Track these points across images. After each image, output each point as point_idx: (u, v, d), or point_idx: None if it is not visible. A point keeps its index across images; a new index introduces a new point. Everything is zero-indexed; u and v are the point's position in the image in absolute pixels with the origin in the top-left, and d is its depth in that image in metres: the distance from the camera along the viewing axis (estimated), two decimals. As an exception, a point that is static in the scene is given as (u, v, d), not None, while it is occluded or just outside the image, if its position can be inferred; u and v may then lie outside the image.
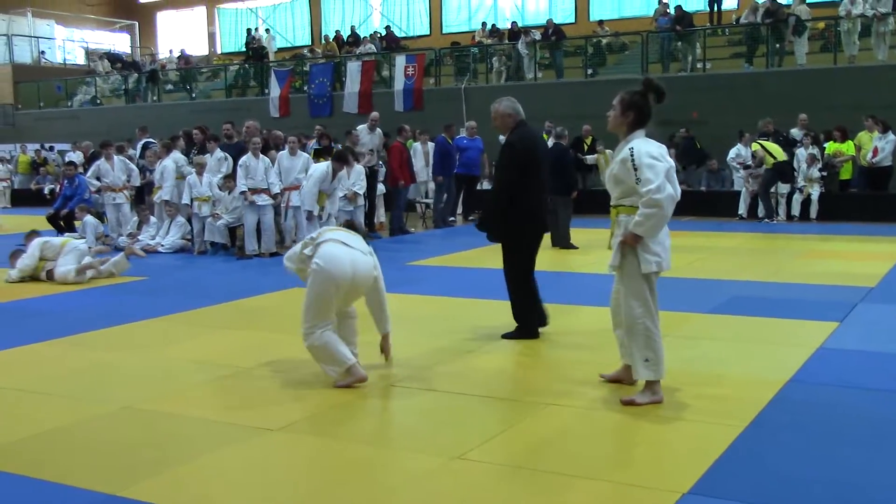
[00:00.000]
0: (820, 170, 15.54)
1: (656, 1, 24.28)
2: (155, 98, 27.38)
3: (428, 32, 30.32)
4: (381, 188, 15.45)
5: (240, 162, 11.93)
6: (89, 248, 10.85)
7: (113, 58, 31.24)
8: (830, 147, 16.05)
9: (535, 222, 6.83)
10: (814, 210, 15.33)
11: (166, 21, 37.05)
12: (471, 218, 15.82)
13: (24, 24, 32.51)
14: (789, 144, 16.03)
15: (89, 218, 13.27)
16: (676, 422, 4.79)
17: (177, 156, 13.31)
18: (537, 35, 22.34)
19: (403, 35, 29.01)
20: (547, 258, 11.22)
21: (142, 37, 36.69)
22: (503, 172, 6.87)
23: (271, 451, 4.48)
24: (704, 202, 16.25)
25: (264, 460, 4.35)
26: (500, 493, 3.89)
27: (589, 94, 18.51)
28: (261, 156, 12.06)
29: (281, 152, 12.69)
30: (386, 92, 22.55)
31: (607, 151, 17.06)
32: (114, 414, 5.13)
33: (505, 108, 6.80)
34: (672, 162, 4.99)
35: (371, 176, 14.15)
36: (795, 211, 15.46)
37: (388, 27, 28.03)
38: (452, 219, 15.91)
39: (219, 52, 34.59)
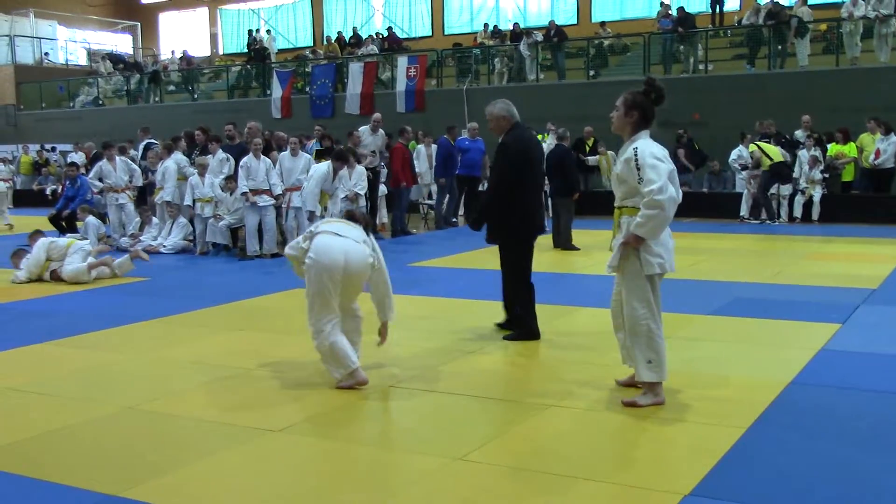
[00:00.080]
0: (822, 171, 15.53)
1: (658, 2, 24.32)
2: (157, 99, 27.39)
3: (430, 34, 30.33)
4: (382, 189, 15.46)
5: (241, 163, 11.93)
6: (92, 248, 10.86)
7: (115, 58, 31.24)
8: (832, 149, 16.04)
9: (530, 223, 6.85)
10: (815, 212, 15.32)
11: (168, 22, 37.08)
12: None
13: (27, 25, 32.53)
14: (792, 146, 16.03)
15: (91, 219, 13.29)
16: (678, 423, 4.79)
17: (178, 157, 13.31)
18: (539, 36, 22.34)
19: (405, 36, 29.01)
20: (548, 259, 11.25)
21: (144, 37, 36.72)
22: (498, 173, 6.88)
23: (272, 453, 4.48)
24: (706, 204, 16.25)
25: (265, 461, 4.34)
26: (501, 495, 3.89)
27: (591, 96, 18.51)
28: (262, 157, 12.07)
29: (282, 153, 12.69)
30: (388, 93, 22.56)
31: (609, 153, 17.08)
32: (115, 415, 5.13)
33: (499, 110, 6.84)
34: (673, 164, 4.98)
35: (373, 177, 14.16)
36: (797, 212, 15.46)
37: (389, 28, 28.03)
38: (455, 220, 15.92)
39: (221, 52, 34.62)
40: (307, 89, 24.00)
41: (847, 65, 18.39)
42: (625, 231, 4.94)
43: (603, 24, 24.96)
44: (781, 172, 15.08)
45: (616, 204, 5.09)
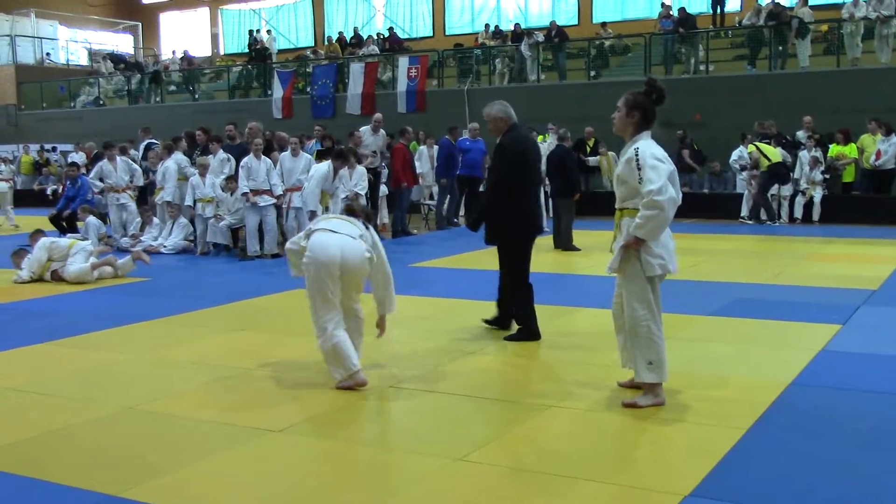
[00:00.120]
0: (823, 172, 15.53)
1: (659, 3, 24.31)
2: (158, 99, 27.39)
3: (431, 34, 30.32)
4: (383, 190, 15.47)
5: (241, 163, 11.94)
6: (93, 249, 10.86)
7: (116, 58, 31.25)
8: (833, 150, 16.04)
9: (528, 224, 6.88)
10: (816, 212, 15.32)
11: (169, 22, 37.09)
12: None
13: (28, 25, 32.53)
14: (793, 147, 16.03)
15: (92, 219, 13.29)
16: (679, 424, 4.79)
17: (179, 157, 13.32)
18: (540, 37, 22.34)
19: (406, 36, 29.01)
20: (549, 260, 11.25)
21: (145, 38, 36.71)
22: (496, 174, 6.89)
23: (273, 453, 4.48)
24: (707, 204, 16.26)
25: (266, 462, 4.35)
26: (501, 495, 3.89)
27: (592, 96, 18.50)
28: (263, 157, 12.08)
29: (283, 153, 12.70)
30: (389, 93, 22.56)
31: (610, 153, 17.09)
32: (116, 415, 5.13)
33: (497, 111, 6.87)
34: (673, 166, 4.98)
35: (374, 178, 14.16)
36: (798, 213, 15.46)
37: (391, 28, 28.03)
38: (456, 220, 15.94)
39: (222, 53, 34.61)
40: (308, 89, 24.00)
41: (848, 66, 18.38)
42: (625, 233, 4.95)
43: (604, 24, 24.97)
44: (779, 173, 15.08)
45: (617, 205, 5.09)
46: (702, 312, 7.70)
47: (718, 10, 22.31)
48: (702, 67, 20.24)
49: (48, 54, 32.68)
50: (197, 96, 27.28)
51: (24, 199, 22.06)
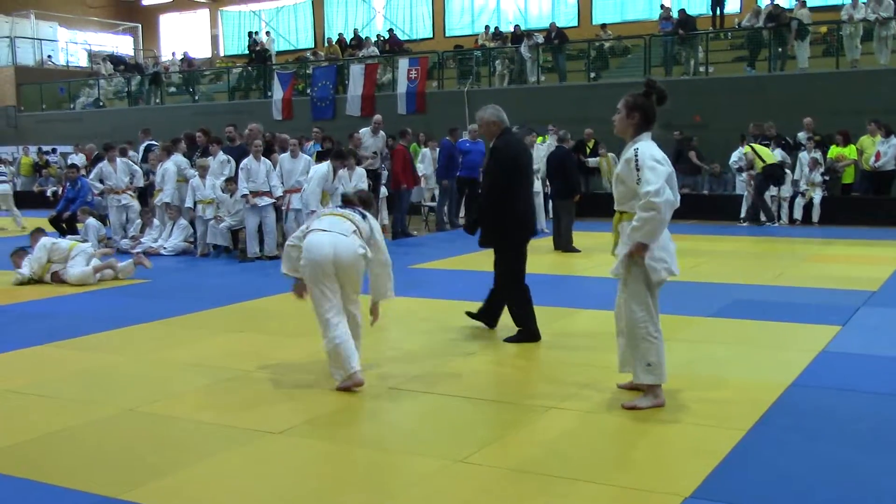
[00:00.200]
0: (822, 174, 15.53)
1: (659, 4, 24.32)
2: (158, 100, 27.38)
3: (431, 35, 30.31)
4: (383, 191, 15.46)
5: (241, 165, 11.94)
6: (94, 251, 10.86)
7: (116, 60, 31.24)
8: (833, 151, 16.04)
9: (522, 227, 6.93)
10: (816, 214, 15.31)
11: (169, 23, 37.08)
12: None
13: (28, 26, 32.53)
14: (793, 148, 16.03)
15: (91, 220, 13.27)
16: (679, 425, 4.78)
17: (178, 158, 13.31)
18: (540, 38, 22.34)
19: (406, 38, 29.01)
20: (549, 261, 11.25)
21: (145, 39, 36.72)
22: (491, 178, 6.92)
23: (272, 455, 4.48)
24: (707, 206, 16.26)
25: (265, 463, 4.34)
26: (501, 497, 3.88)
27: (592, 98, 18.50)
28: (262, 158, 12.08)
29: (282, 154, 12.70)
30: (389, 95, 22.56)
31: (610, 155, 17.09)
32: (115, 417, 5.13)
33: (490, 115, 6.91)
34: (672, 168, 4.97)
35: (374, 179, 14.16)
36: (797, 215, 15.45)
37: (390, 30, 28.04)
38: (458, 221, 15.96)
39: (221, 54, 34.61)
40: (308, 91, 24.00)
41: (847, 67, 18.38)
42: (625, 238, 4.95)
43: (604, 26, 24.97)
44: (774, 174, 15.09)
45: (616, 207, 5.10)
46: (702, 314, 7.70)
47: (718, 12, 22.30)
48: (701, 69, 20.24)
49: (49, 56, 32.69)
50: (197, 98, 27.28)
51: (24, 200, 22.06)
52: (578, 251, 12.09)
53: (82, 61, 34.13)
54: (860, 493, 3.85)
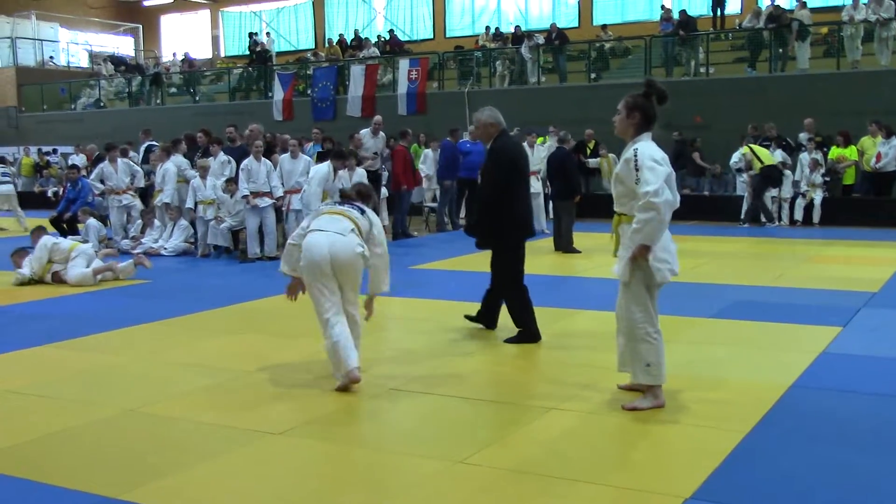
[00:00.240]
0: (823, 175, 15.52)
1: (659, 5, 24.31)
2: (158, 101, 27.39)
3: (431, 36, 30.32)
4: (384, 192, 15.46)
5: (242, 165, 11.94)
6: (95, 252, 10.86)
7: (117, 61, 31.26)
8: (833, 152, 16.04)
9: (519, 227, 6.95)
10: (816, 215, 15.31)
11: (170, 24, 37.10)
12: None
13: (29, 27, 32.55)
14: (794, 149, 16.02)
15: (92, 221, 13.27)
16: (679, 426, 4.78)
17: (178, 159, 13.31)
18: (541, 39, 22.35)
19: (407, 39, 29.02)
20: (549, 262, 11.26)
21: (146, 40, 36.73)
22: (491, 179, 6.92)
23: (273, 455, 4.48)
24: (708, 207, 16.26)
25: (266, 464, 4.34)
26: (502, 498, 3.88)
27: (592, 99, 18.51)
28: (263, 159, 12.08)
29: (282, 155, 12.70)
30: (389, 95, 22.57)
31: (610, 155, 17.09)
32: (116, 417, 5.13)
33: (487, 117, 6.94)
34: (671, 169, 4.97)
35: (374, 180, 14.15)
36: (798, 216, 15.45)
37: (391, 31, 28.05)
38: (459, 221, 15.97)
39: (222, 55, 34.62)
40: (309, 92, 24.01)
41: (848, 68, 18.38)
42: (625, 241, 4.95)
43: (604, 26, 24.96)
44: (772, 175, 15.09)
45: (615, 208, 5.10)
46: (702, 315, 7.69)
47: (719, 13, 22.31)
48: (702, 70, 20.24)
49: (51, 58, 32.70)
50: (197, 98, 27.29)
51: (25, 201, 22.06)
52: (579, 252, 12.09)
53: (83, 62, 34.14)
54: (861, 495, 3.84)
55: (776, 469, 4.12)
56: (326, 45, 28.35)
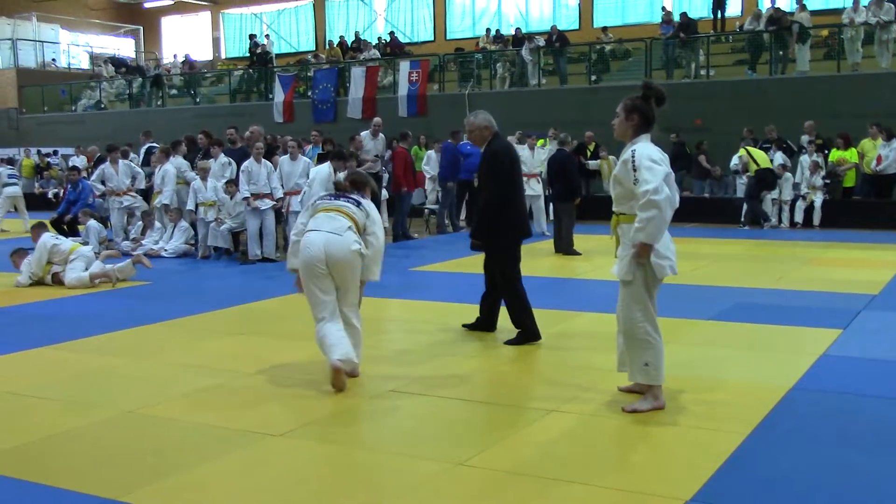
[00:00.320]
0: (823, 177, 15.53)
1: (660, 7, 24.32)
2: (159, 103, 27.42)
3: (432, 38, 30.33)
4: (384, 194, 15.46)
5: (242, 167, 11.94)
6: (96, 254, 10.84)
7: (117, 62, 31.29)
8: (834, 154, 16.05)
9: (515, 228, 6.97)
10: (817, 217, 15.31)
11: (171, 26, 37.12)
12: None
13: (29, 29, 32.57)
14: (794, 151, 16.02)
15: (93, 222, 13.27)
16: (679, 428, 4.78)
17: (178, 161, 13.32)
18: (541, 41, 22.36)
19: (407, 41, 29.04)
20: (550, 264, 11.26)
21: (146, 41, 36.76)
22: (492, 181, 6.93)
23: (272, 457, 4.47)
24: (708, 209, 16.26)
25: (266, 466, 4.34)
26: (501, 500, 3.88)
27: (592, 101, 18.53)
28: (263, 161, 12.08)
29: (282, 157, 12.71)
30: (390, 97, 22.58)
31: (610, 157, 17.09)
32: (115, 419, 5.13)
33: (482, 120, 6.99)
34: (670, 168, 4.97)
35: (375, 182, 14.15)
36: (798, 218, 15.45)
37: (392, 33, 28.06)
38: (461, 223, 15.99)
39: (223, 56, 34.64)
40: (309, 93, 24.03)
41: (848, 70, 18.39)
42: (625, 241, 4.95)
43: (605, 29, 24.98)
44: (766, 178, 15.10)
45: (613, 209, 5.11)
46: (703, 317, 7.69)
47: (719, 15, 22.33)
48: (702, 72, 20.25)
49: (53, 59, 32.71)
50: (198, 100, 27.31)
51: (26, 202, 22.05)
52: (579, 254, 12.09)
53: (84, 63, 34.17)
54: (861, 497, 3.84)
55: (777, 471, 4.12)
56: (327, 46, 28.39)
